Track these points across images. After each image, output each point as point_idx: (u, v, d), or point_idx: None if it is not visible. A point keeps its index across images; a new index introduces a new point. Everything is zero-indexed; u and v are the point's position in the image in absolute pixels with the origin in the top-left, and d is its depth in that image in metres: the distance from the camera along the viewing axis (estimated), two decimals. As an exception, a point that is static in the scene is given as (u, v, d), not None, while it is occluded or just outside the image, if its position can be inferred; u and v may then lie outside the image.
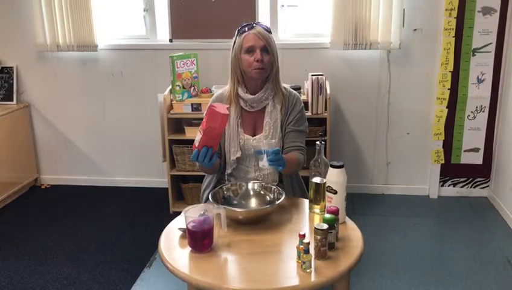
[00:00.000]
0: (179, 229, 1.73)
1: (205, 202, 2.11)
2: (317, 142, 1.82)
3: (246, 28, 2.00)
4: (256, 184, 1.95)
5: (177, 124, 3.39)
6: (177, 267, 1.53)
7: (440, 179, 3.60)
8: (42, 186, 3.95)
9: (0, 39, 3.70)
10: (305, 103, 2.70)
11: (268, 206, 1.82)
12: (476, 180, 3.59)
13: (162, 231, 1.77)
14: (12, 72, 3.73)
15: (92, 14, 3.44)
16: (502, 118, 3.37)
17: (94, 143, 3.86)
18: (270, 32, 2.03)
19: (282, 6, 3.49)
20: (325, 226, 1.51)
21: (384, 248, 2.91)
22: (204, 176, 2.24)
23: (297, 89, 3.15)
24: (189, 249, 1.61)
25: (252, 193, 1.94)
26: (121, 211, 3.48)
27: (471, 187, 3.61)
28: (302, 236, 1.49)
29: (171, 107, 3.29)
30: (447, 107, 3.40)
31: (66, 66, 3.70)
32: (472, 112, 3.44)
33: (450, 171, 3.58)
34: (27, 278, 2.64)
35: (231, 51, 2.04)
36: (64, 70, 3.72)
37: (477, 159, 3.54)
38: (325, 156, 1.85)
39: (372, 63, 3.44)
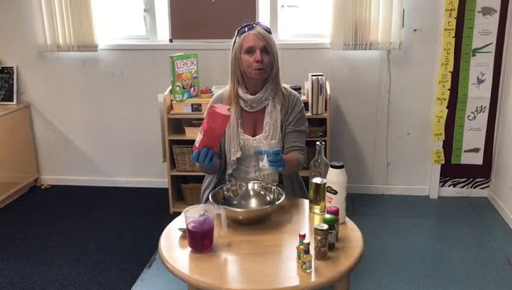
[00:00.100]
0: (179, 229, 1.73)
1: (205, 202, 2.11)
2: (317, 143, 1.82)
3: (246, 28, 2.00)
4: (256, 184, 1.95)
5: (177, 125, 3.39)
6: (177, 267, 1.53)
7: (440, 179, 3.60)
8: (42, 187, 3.95)
9: (1, 39, 3.70)
10: (305, 103, 2.70)
11: (268, 206, 1.82)
12: (476, 180, 3.59)
13: (162, 231, 1.77)
14: (13, 73, 3.73)
15: (92, 14, 3.44)
16: (502, 119, 3.37)
17: (94, 143, 3.86)
18: (270, 32, 2.03)
19: (282, 6, 3.49)
20: (325, 226, 1.51)
21: (384, 248, 2.91)
22: (204, 176, 2.24)
23: (298, 89, 3.15)
24: (189, 249, 1.61)
25: (252, 193, 1.94)
26: (121, 211, 3.48)
27: (471, 187, 3.61)
28: (302, 236, 1.49)
29: (171, 107, 3.29)
30: (447, 108, 3.40)
31: (66, 66, 3.70)
32: (472, 112, 3.44)
33: (450, 171, 3.58)
34: (27, 278, 2.64)
35: (231, 51, 2.04)
36: (64, 71, 3.72)
37: (478, 159, 3.54)
38: (325, 156, 1.85)
39: (372, 63, 3.44)
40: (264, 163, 1.82)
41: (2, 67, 3.74)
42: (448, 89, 3.36)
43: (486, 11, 3.23)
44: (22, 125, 3.77)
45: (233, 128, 2.06)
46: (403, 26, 3.28)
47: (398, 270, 2.67)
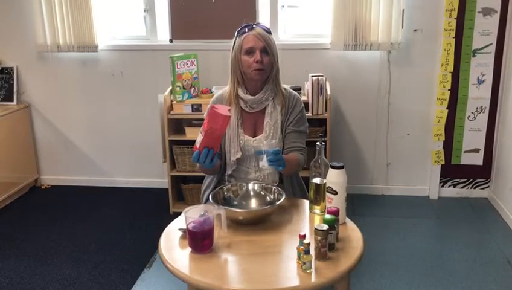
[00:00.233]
0: (179, 229, 1.73)
1: (205, 202, 2.11)
2: (318, 143, 1.82)
3: (246, 29, 2.00)
4: (256, 185, 1.95)
5: (177, 125, 3.39)
6: (177, 267, 1.53)
7: (440, 179, 3.59)
8: (42, 187, 3.95)
9: (1, 40, 3.70)
10: (306, 104, 2.70)
11: (268, 206, 1.82)
12: (476, 181, 3.59)
13: (162, 231, 1.77)
14: (13, 73, 3.73)
15: (92, 14, 3.44)
16: (502, 119, 3.37)
17: (94, 143, 3.86)
18: (270, 33, 2.03)
19: (283, 6, 3.49)
20: (325, 226, 1.51)
21: (384, 248, 2.91)
22: (204, 176, 2.24)
23: (298, 89, 3.15)
24: (189, 249, 1.61)
25: (252, 193, 1.94)
26: (121, 211, 3.48)
27: (471, 188, 3.61)
28: (303, 237, 1.49)
29: (171, 107, 3.29)
30: (447, 108, 3.40)
31: (66, 66, 3.70)
32: (472, 112, 3.44)
33: (450, 172, 3.58)
34: (27, 278, 2.64)
35: (231, 51, 2.04)
36: (64, 71, 3.72)
37: (478, 159, 3.54)
38: (325, 156, 1.85)
39: (372, 63, 3.44)
40: (264, 163, 1.82)
41: (2, 68, 3.74)
42: (449, 90, 3.36)
43: (487, 11, 3.23)
44: (22, 125, 3.78)
45: (233, 128, 2.06)
46: (402, 26, 3.28)
47: (398, 270, 2.67)
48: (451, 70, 3.31)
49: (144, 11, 3.58)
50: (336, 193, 1.73)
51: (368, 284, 2.55)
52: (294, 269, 1.49)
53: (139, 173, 3.87)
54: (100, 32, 3.53)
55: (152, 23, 3.59)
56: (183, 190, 3.43)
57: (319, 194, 1.82)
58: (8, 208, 3.56)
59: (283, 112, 2.09)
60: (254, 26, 2.01)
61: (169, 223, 1.82)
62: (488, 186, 3.58)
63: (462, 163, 3.55)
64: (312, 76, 3.13)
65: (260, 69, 1.98)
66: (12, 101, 3.73)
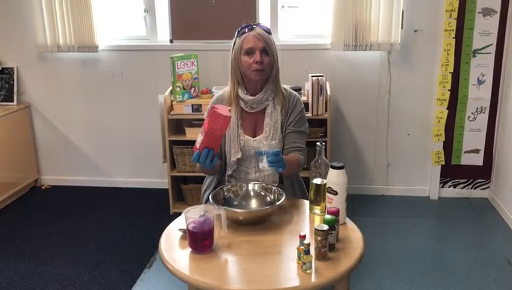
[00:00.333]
0: (179, 230, 1.73)
1: (205, 203, 2.11)
2: (318, 143, 1.82)
3: (246, 29, 2.00)
4: (256, 185, 1.95)
5: (177, 125, 3.40)
6: (178, 268, 1.53)
7: (440, 180, 3.59)
8: (42, 187, 3.95)
9: (1, 40, 3.70)
10: (306, 104, 2.70)
11: (268, 207, 1.82)
12: (476, 181, 3.59)
13: (162, 231, 1.77)
14: (13, 73, 3.73)
15: (92, 14, 3.44)
16: (502, 120, 3.37)
17: (94, 144, 3.86)
18: (270, 33, 2.03)
19: (283, 7, 3.49)
20: (326, 227, 1.51)
21: (385, 248, 2.91)
22: (204, 177, 2.24)
23: (298, 90, 3.15)
24: (189, 250, 1.61)
25: (252, 193, 1.94)
26: (121, 211, 3.48)
27: (471, 188, 3.61)
28: (303, 237, 1.49)
29: (171, 108, 3.29)
30: (447, 108, 3.40)
31: (67, 66, 3.70)
32: (472, 113, 3.44)
33: (451, 172, 3.58)
34: (27, 278, 2.64)
35: (231, 52, 2.04)
36: (64, 71, 3.72)
37: (478, 160, 3.54)
38: (326, 157, 1.85)
39: (372, 64, 3.44)
40: (264, 164, 1.82)
41: (3, 68, 3.74)
42: (449, 90, 3.36)
43: (487, 12, 3.23)
44: (22, 125, 3.78)
45: (233, 129, 2.06)
46: (402, 27, 3.28)
47: (399, 270, 2.67)
48: (451, 71, 3.31)
49: (144, 11, 3.58)
50: (336, 193, 1.73)
51: (368, 284, 2.55)
52: (294, 269, 1.49)
53: (139, 173, 3.87)
54: (100, 33, 3.53)
55: (152, 23, 3.60)
56: (183, 190, 3.43)
57: (319, 194, 1.82)
58: (8, 208, 3.56)
59: (283, 112, 2.09)
60: (254, 26, 2.01)
61: (169, 223, 1.82)
62: (488, 187, 3.58)
63: (462, 163, 3.55)
64: (312, 76, 3.13)
65: (260, 69, 1.98)
66: (13, 101, 3.73)
